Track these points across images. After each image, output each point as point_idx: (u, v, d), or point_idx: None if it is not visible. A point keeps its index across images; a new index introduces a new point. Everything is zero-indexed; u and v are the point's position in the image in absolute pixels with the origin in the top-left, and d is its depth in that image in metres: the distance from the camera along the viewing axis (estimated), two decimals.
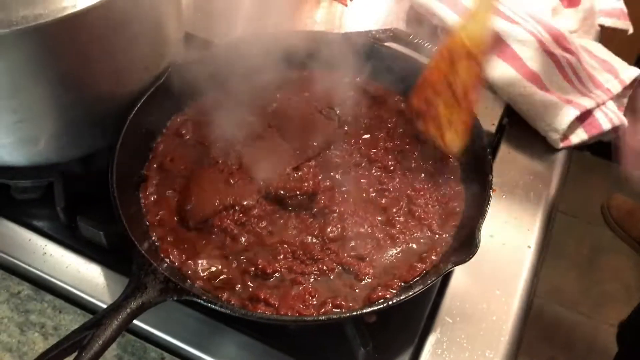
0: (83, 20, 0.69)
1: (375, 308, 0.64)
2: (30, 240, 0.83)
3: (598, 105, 0.97)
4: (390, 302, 0.64)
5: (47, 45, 0.69)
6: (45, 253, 0.82)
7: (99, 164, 0.84)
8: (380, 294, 0.69)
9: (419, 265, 0.73)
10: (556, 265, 2.22)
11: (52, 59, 0.71)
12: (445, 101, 0.78)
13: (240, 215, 0.77)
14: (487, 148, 0.79)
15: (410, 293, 0.64)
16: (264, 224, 0.77)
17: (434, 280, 0.66)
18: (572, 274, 2.27)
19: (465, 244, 0.69)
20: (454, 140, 0.80)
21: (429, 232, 0.77)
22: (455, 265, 0.66)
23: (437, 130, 0.81)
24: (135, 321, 0.65)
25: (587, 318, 2.16)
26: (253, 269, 0.72)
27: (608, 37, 1.17)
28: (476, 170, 0.80)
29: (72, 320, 0.77)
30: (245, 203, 0.77)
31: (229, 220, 0.76)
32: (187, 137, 0.88)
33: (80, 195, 0.85)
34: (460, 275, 0.80)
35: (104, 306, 0.77)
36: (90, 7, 0.68)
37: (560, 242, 2.27)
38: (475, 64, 0.74)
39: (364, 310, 0.64)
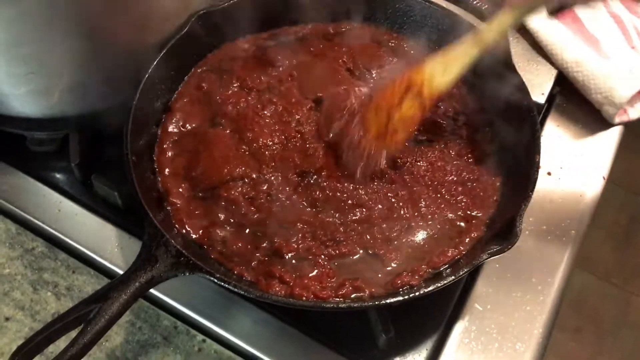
0: None
1: (400, 298, 0.59)
2: (44, 195, 0.80)
3: None
4: (416, 293, 0.59)
5: None
6: (59, 210, 0.79)
7: (116, 119, 0.79)
8: (405, 279, 0.64)
9: (450, 250, 0.67)
10: (592, 233, 2.12)
11: (65, 7, 0.66)
12: (377, 127, 0.72)
13: (249, 189, 0.72)
14: (537, 124, 0.71)
15: (439, 284, 0.59)
16: (274, 199, 0.71)
17: (466, 272, 0.60)
18: (608, 244, 2.18)
19: (504, 232, 0.63)
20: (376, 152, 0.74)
21: (463, 214, 0.71)
22: (491, 256, 0.61)
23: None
24: None
25: (619, 290, 2.09)
26: (268, 245, 0.68)
27: None
28: (521, 148, 0.72)
29: (85, 282, 0.75)
30: (254, 176, 0.72)
31: (236, 193, 0.71)
32: (206, 91, 0.82)
33: (96, 152, 0.81)
34: (495, 260, 0.74)
35: (117, 269, 0.75)
36: None
37: (598, 209, 2.17)
38: (419, 107, 0.69)
39: (387, 301, 0.59)
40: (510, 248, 0.61)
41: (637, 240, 2.20)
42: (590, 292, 2.08)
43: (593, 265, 2.11)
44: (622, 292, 2.08)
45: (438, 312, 0.71)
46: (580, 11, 0.89)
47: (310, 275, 0.65)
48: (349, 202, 0.71)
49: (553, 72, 0.89)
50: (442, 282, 0.59)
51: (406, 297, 0.59)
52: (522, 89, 0.74)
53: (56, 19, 0.67)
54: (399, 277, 0.65)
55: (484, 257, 0.61)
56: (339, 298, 0.64)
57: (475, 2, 0.85)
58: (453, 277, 0.60)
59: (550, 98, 0.90)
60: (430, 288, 0.59)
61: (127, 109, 0.73)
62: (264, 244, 0.68)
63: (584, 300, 2.06)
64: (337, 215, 0.70)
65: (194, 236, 0.69)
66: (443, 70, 0.68)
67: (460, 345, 0.69)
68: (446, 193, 0.73)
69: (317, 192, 0.71)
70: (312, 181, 0.73)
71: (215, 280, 0.59)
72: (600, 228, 2.18)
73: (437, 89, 0.68)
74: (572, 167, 0.84)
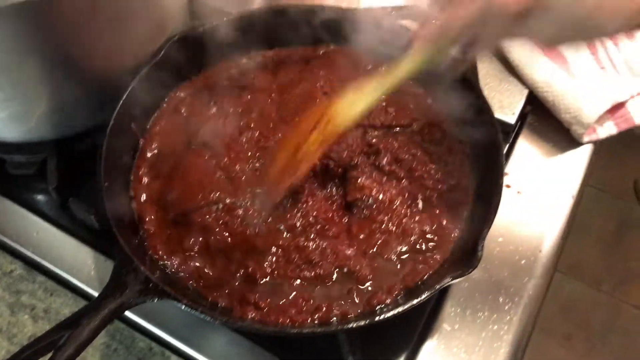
0: None
1: (362, 323, 0.60)
2: (23, 218, 0.82)
3: (632, 97, 0.88)
4: (376, 319, 0.60)
5: (33, 21, 0.65)
6: (37, 232, 0.81)
7: (94, 142, 0.81)
8: (382, 297, 0.66)
9: (421, 266, 0.69)
10: (580, 239, 2.14)
11: (38, 35, 0.68)
12: (285, 161, 0.70)
13: (223, 213, 0.72)
14: (500, 148, 0.72)
15: (400, 309, 0.60)
16: (249, 224, 0.72)
17: (428, 295, 0.61)
18: (596, 249, 2.20)
19: (467, 255, 0.64)
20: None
21: (437, 227, 0.72)
22: (453, 280, 0.62)
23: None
24: None
25: (609, 296, 2.10)
26: (242, 271, 0.69)
27: None
28: (488, 170, 0.73)
29: (63, 304, 0.76)
30: (228, 201, 0.73)
31: (210, 218, 0.72)
32: (184, 115, 0.83)
33: (74, 174, 0.82)
34: (464, 280, 0.75)
35: (94, 292, 0.77)
36: None
37: (586, 216, 2.19)
38: (324, 139, 0.67)
39: (350, 325, 0.60)
40: (471, 271, 0.62)
41: (626, 246, 2.22)
42: (580, 298, 2.09)
43: (582, 272, 2.13)
44: (611, 299, 2.09)
45: (408, 332, 0.72)
46: None
47: (286, 300, 0.66)
48: (325, 224, 0.72)
49: (524, 92, 0.90)
50: (403, 307, 0.60)
51: (367, 321, 0.60)
52: (487, 111, 0.75)
53: (29, 48, 0.68)
54: (375, 297, 0.66)
55: (447, 280, 0.62)
56: (316, 321, 0.65)
57: None
58: (416, 300, 0.61)
59: (523, 117, 0.92)
60: (391, 313, 0.60)
61: (104, 133, 0.75)
62: (238, 269, 0.69)
63: (574, 307, 2.07)
64: (312, 237, 0.71)
65: (167, 262, 0.70)
66: (350, 105, 0.67)
67: None
68: (422, 208, 0.74)
69: (292, 215, 0.72)
70: (287, 205, 0.74)
71: (184, 306, 0.61)
72: (589, 234, 2.19)
73: (342, 123, 0.67)
74: (542, 185, 0.85)
